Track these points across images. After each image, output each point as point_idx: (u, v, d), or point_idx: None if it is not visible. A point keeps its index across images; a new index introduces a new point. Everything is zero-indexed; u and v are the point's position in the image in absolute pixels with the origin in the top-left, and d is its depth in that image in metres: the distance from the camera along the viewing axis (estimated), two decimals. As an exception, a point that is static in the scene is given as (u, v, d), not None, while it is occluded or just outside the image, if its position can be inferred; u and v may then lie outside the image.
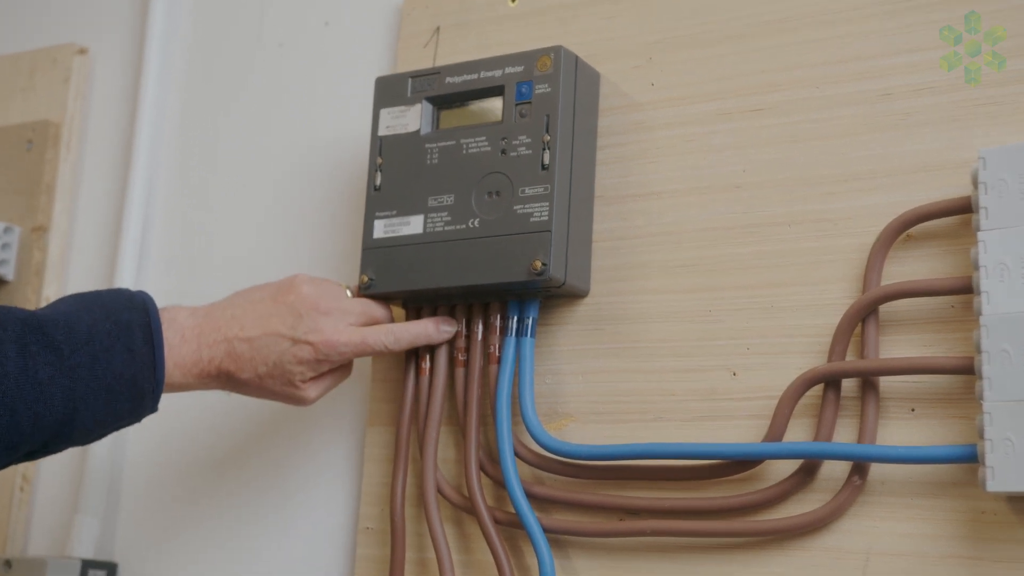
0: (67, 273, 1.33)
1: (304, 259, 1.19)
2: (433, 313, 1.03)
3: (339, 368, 0.99)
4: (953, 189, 0.87)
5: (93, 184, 1.34)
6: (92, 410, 0.87)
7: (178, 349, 0.93)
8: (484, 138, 1.00)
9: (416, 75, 1.05)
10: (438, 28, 1.13)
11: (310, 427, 1.14)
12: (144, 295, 0.93)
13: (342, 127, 1.19)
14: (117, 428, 0.91)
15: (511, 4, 1.09)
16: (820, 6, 0.95)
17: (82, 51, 1.37)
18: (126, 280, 1.26)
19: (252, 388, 0.97)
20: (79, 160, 1.35)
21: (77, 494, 1.23)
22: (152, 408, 0.92)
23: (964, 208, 0.85)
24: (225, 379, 0.95)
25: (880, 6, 0.92)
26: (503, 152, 0.99)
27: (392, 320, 1.02)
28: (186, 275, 1.26)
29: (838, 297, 0.90)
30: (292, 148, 1.22)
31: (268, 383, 0.96)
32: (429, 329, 0.99)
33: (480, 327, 1.02)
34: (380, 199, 1.04)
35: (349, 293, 1.00)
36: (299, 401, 0.98)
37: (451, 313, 1.03)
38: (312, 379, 0.97)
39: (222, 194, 1.26)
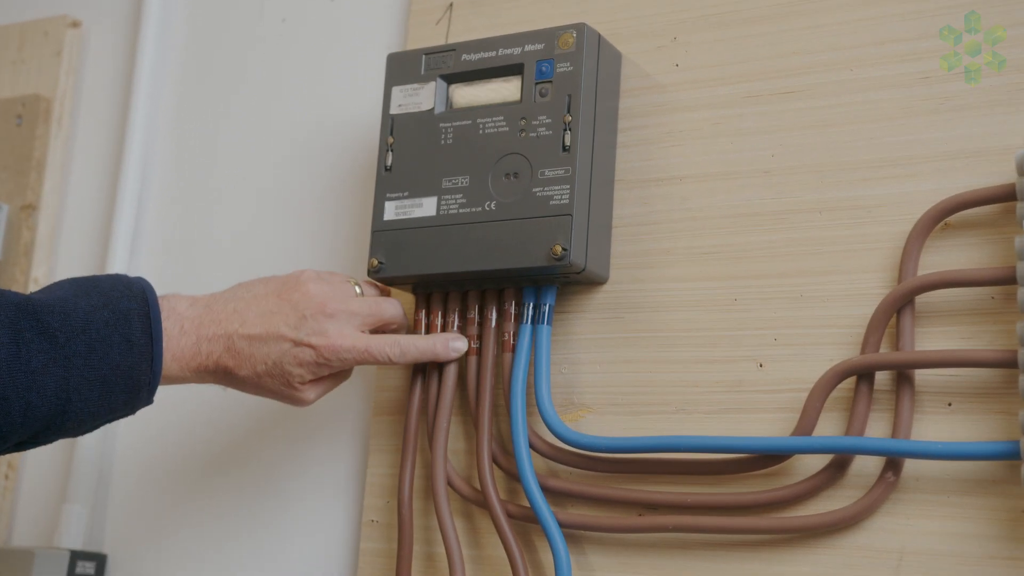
0: (57, 253, 1.28)
1: (307, 242, 1.15)
2: (444, 300, 1.00)
3: (339, 371, 0.95)
4: (994, 176, 0.84)
5: (85, 162, 1.30)
6: (86, 401, 0.83)
7: (176, 341, 0.88)
8: (502, 118, 0.97)
9: (430, 52, 1.01)
10: (451, 4, 1.09)
11: (311, 417, 1.10)
12: (143, 282, 0.88)
13: (349, 105, 1.15)
14: (110, 420, 0.86)
15: (528, -20, 1.06)
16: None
17: (75, 24, 1.32)
18: (119, 262, 1.22)
19: (249, 386, 0.93)
20: (71, 136, 1.31)
21: (65, 482, 1.19)
22: (147, 401, 0.88)
23: (1007, 196, 0.82)
24: (222, 374, 0.91)
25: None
26: (522, 132, 0.95)
27: (404, 317, 0.98)
28: (182, 258, 1.22)
29: (872, 287, 0.87)
30: (296, 127, 1.18)
31: (266, 382, 0.92)
32: (438, 347, 0.96)
33: (494, 313, 0.98)
34: (391, 180, 1.00)
35: (358, 290, 0.96)
36: (296, 402, 0.94)
37: (463, 300, 0.99)
38: (311, 381, 0.93)
39: (222, 174, 1.22)
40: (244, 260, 1.18)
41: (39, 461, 1.22)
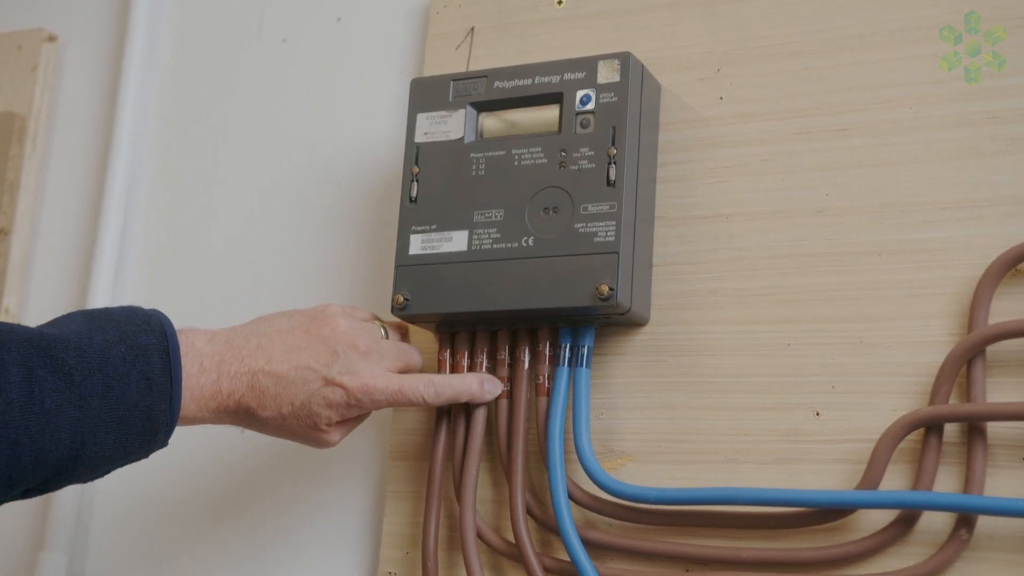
0: (30, 281, 1.21)
1: (307, 272, 1.09)
2: (471, 340, 0.94)
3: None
4: (1066, 222, 0.82)
5: (61, 184, 1.22)
6: (102, 445, 0.76)
7: (196, 379, 0.82)
8: (539, 149, 0.92)
9: (458, 78, 0.96)
10: (472, 29, 1.04)
11: (320, 461, 1.04)
12: (160, 315, 0.82)
13: (358, 130, 1.10)
14: (123, 464, 0.80)
15: (558, 6, 1.01)
16: (910, 22, 0.89)
17: (51, 38, 1.25)
18: (100, 293, 1.14)
19: (271, 427, 0.86)
20: (46, 156, 1.23)
21: (43, 529, 1.11)
22: (163, 443, 0.81)
23: (1087, 242, 0.79)
24: (243, 415, 0.85)
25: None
26: (561, 165, 0.91)
27: (423, 367, 0.93)
28: (170, 285, 1.15)
29: (937, 334, 0.83)
30: (298, 153, 1.12)
31: (291, 423, 0.86)
32: (473, 388, 0.90)
33: (527, 355, 0.93)
34: (416, 212, 0.95)
35: (384, 332, 0.91)
36: (320, 444, 0.88)
37: (492, 340, 0.94)
38: (338, 423, 0.87)
39: (215, 197, 1.15)
40: (237, 290, 1.12)
41: (12, 505, 1.13)
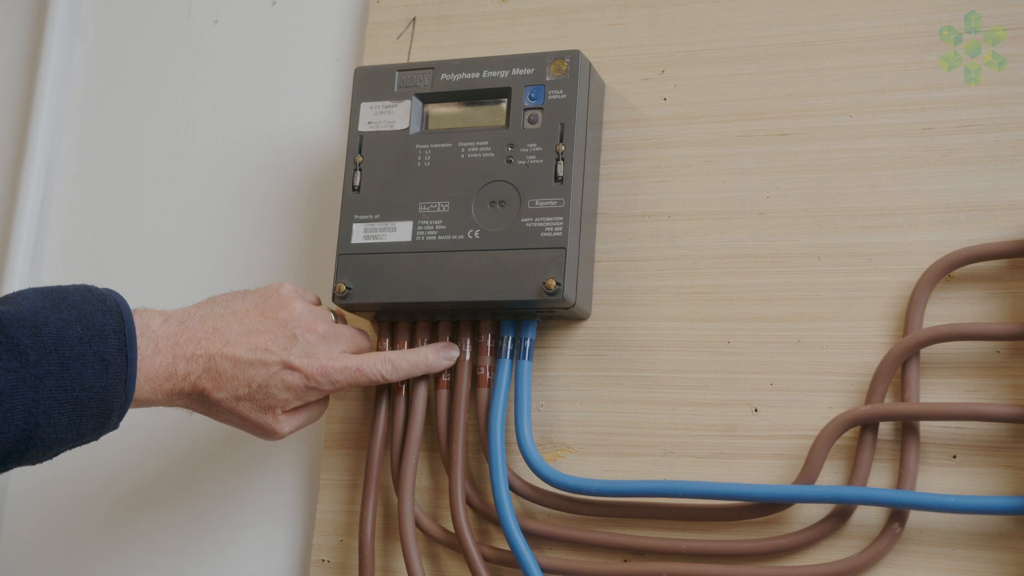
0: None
1: (237, 259, 1.08)
2: (411, 330, 0.95)
3: (318, 402, 0.89)
4: (996, 231, 0.85)
5: (-25, 160, 1.19)
6: (55, 426, 0.75)
7: (150, 360, 0.81)
8: (486, 142, 0.93)
9: (404, 68, 0.96)
10: (414, 19, 1.04)
11: (250, 448, 1.03)
12: (116, 295, 0.81)
13: (292, 117, 1.09)
14: (75, 446, 0.78)
15: (502, 1, 1.02)
16: (853, 32, 0.91)
17: (-33, 9, 1.21)
18: (17, 275, 1.11)
19: (223, 411, 0.85)
20: (-40, 132, 1.20)
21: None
22: (115, 426, 0.80)
23: (1020, 251, 0.83)
24: (197, 397, 0.84)
25: (920, 38, 0.89)
26: (509, 160, 0.92)
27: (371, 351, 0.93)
28: (92, 275, 1.12)
29: (873, 335, 0.86)
30: (228, 137, 1.11)
31: (244, 408, 0.85)
32: (430, 357, 0.91)
33: (468, 346, 0.94)
34: (360, 201, 0.95)
35: (334, 317, 0.91)
36: (270, 433, 0.87)
37: (433, 330, 0.95)
38: (292, 410, 0.87)
39: (140, 184, 1.13)
40: (163, 275, 1.10)
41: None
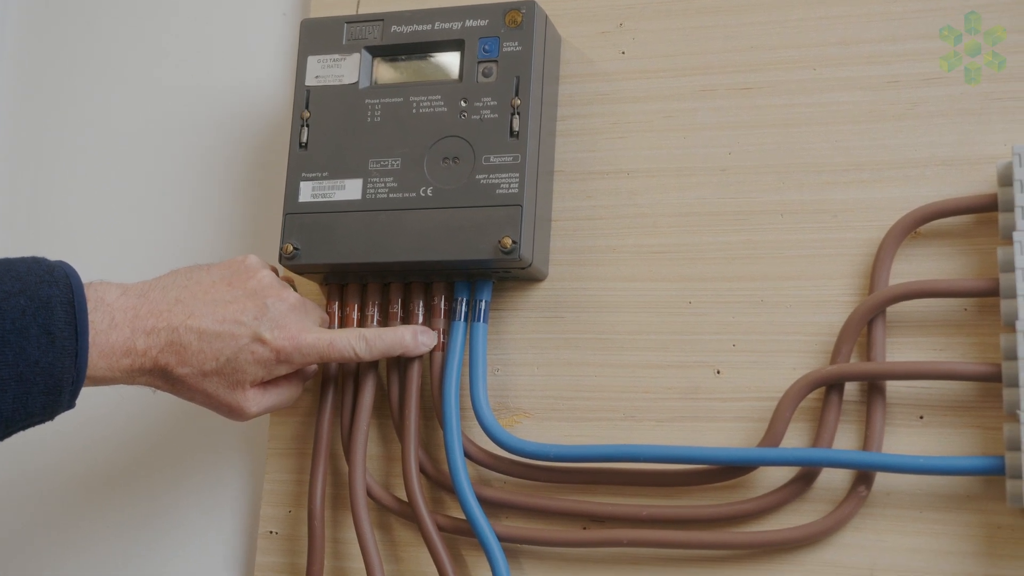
0: None
1: (184, 221, 1.04)
2: (361, 292, 0.92)
3: (290, 381, 0.86)
4: (963, 186, 0.83)
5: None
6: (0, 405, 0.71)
7: (105, 335, 0.76)
8: (439, 97, 0.89)
9: (352, 20, 0.93)
10: (363, -29, 1.00)
11: (193, 417, 0.99)
12: (66, 267, 0.76)
13: (237, 73, 1.05)
14: (26, 427, 0.74)
15: (454, -48, 0.98)
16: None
17: None
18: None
19: (187, 387, 0.81)
20: None
21: None
22: (69, 404, 0.75)
23: (986, 207, 0.81)
24: (159, 374, 0.79)
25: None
26: (462, 114, 0.88)
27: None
28: (31, 244, 1.08)
29: (838, 294, 0.84)
30: (170, 94, 1.07)
31: (209, 384, 0.81)
32: (406, 340, 0.87)
33: (420, 308, 0.90)
34: (307, 158, 0.91)
35: (294, 288, 0.87)
36: (237, 412, 0.83)
37: (384, 293, 0.92)
38: (260, 386, 0.83)
39: (76, 146, 1.09)
40: (105, 241, 1.06)
41: None
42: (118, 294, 0.77)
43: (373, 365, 0.90)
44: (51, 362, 0.72)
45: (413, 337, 0.87)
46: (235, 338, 0.80)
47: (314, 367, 0.90)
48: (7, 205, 1.09)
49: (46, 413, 0.73)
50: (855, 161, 0.86)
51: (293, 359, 0.82)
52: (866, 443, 0.81)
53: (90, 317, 0.74)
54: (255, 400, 0.82)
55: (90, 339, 0.74)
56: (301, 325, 0.82)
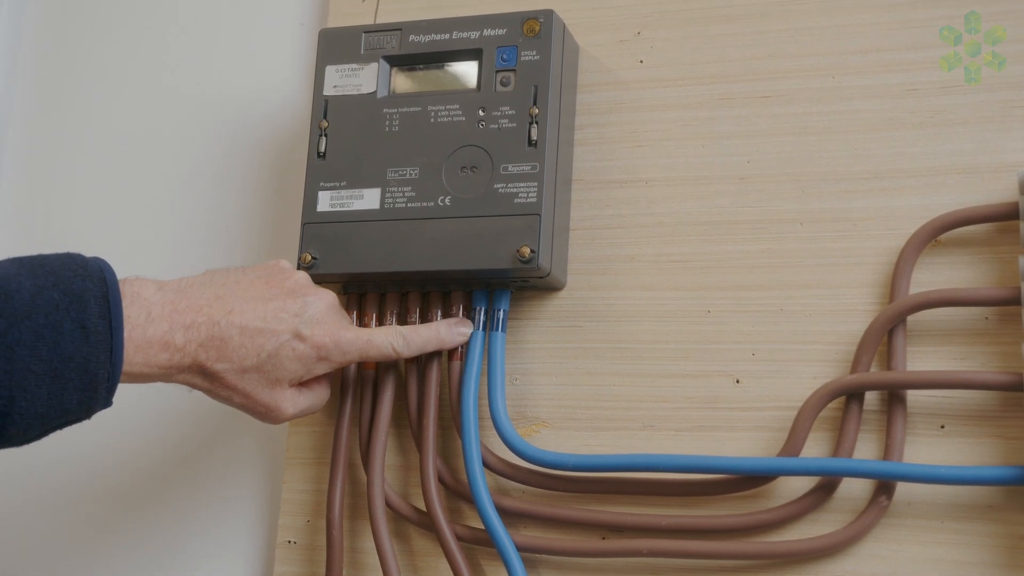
0: None
1: (200, 230, 1.04)
2: (380, 302, 0.92)
3: (321, 384, 0.85)
4: (984, 194, 0.83)
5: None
6: (32, 400, 0.69)
7: (142, 330, 0.74)
8: (457, 106, 0.89)
9: (371, 30, 0.93)
10: (381, -20, 1.00)
11: (212, 425, 0.99)
12: (101, 261, 0.75)
13: (256, 83, 1.05)
14: (62, 425, 0.72)
15: (472, -39, 0.98)
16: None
17: (-85, -26, 1.16)
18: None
19: (223, 385, 0.79)
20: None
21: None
22: (106, 402, 0.74)
23: (1007, 215, 0.80)
24: (197, 371, 0.78)
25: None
26: (480, 123, 0.88)
27: None
28: (42, 248, 1.08)
29: (858, 303, 0.84)
30: (188, 103, 1.07)
31: (248, 381, 0.79)
32: (442, 332, 0.87)
33: (439, 318, 0.90)
34: (325, 168, 0.91)
35: None
36: (274, 412, 0.81)
37: (402, 302, 0.91)
38: (298, 386, 0.83)
39: (93, 153, 1.09)
40: (118, 248, 1.06)
41: None
42: (154, 289, 0.76)
43: (394, 374, 0.90)
44: (86, 357, 0.71)
45: (448, 329, 0.87)
46: (276, 334, 0.79)
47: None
48: (29, 215, 1.10)
49: (82, 410, 0.72)
50: (875, 169, 0.85)
51: (333, 356, 0.81)
52: (887, 453, 0.81)
53: (126, 311, 0.73)
54: (292, 400, 0.82)
55: (126, 334, 0.73)
56: (340, 323, 0.82)
